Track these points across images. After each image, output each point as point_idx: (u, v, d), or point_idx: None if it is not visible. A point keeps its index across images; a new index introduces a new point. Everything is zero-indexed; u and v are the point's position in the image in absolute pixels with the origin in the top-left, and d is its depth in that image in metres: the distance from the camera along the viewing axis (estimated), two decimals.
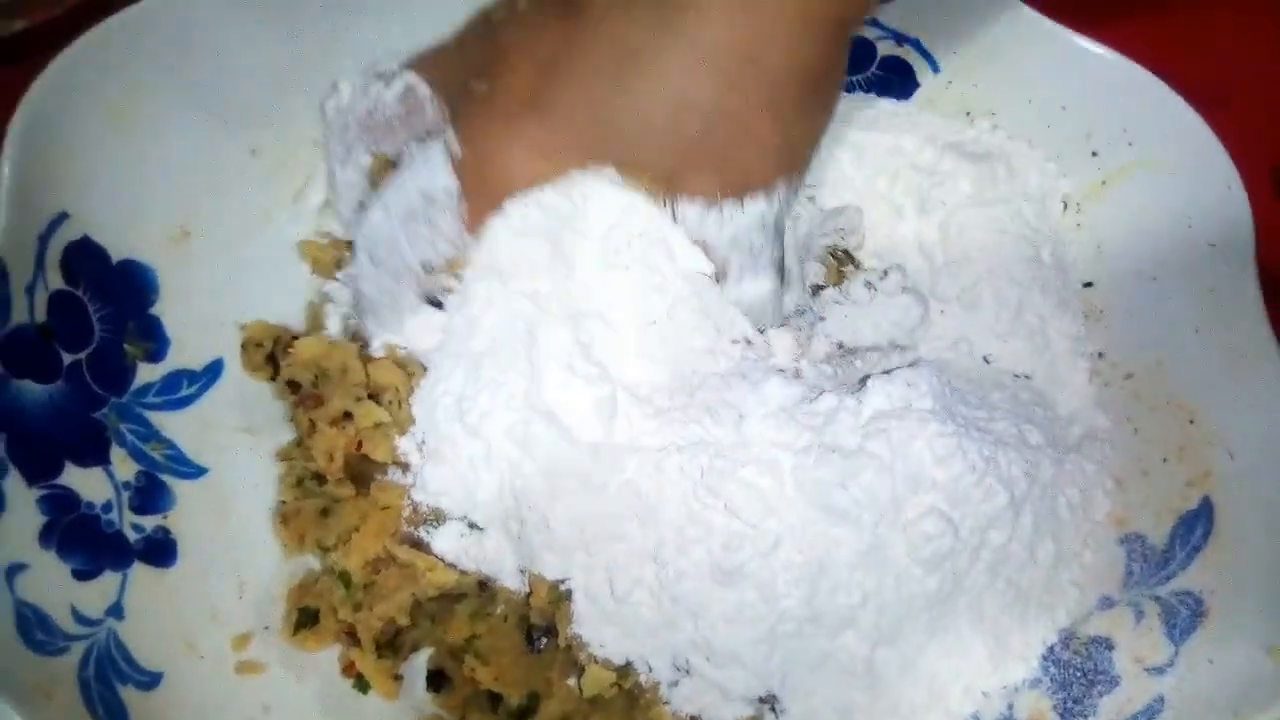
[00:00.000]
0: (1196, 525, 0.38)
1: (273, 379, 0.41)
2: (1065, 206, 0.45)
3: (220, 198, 0.43)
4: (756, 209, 0.36)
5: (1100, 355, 0.43)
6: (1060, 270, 0.44)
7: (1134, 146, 0.42)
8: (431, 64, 0.41)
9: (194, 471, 0.40)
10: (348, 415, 0.39)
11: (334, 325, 0.40)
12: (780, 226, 0.38)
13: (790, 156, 0.37)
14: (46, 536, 0.35)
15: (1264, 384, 0.38)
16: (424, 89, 0.40)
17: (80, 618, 0.35)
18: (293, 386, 0.41)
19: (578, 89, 0.35)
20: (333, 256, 0.42)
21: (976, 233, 0.44)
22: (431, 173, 0.37)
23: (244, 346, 0.41)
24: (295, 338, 0.41)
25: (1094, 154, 0.44)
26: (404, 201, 0.37)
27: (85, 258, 0.39)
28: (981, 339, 0.43)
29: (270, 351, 0.41)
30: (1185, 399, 0.40)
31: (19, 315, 0.36)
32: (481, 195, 0.36)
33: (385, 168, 0.41)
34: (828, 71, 0.36)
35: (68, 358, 0.38)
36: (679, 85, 0.34)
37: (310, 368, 0.40)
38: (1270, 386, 0.38)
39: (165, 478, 0.39)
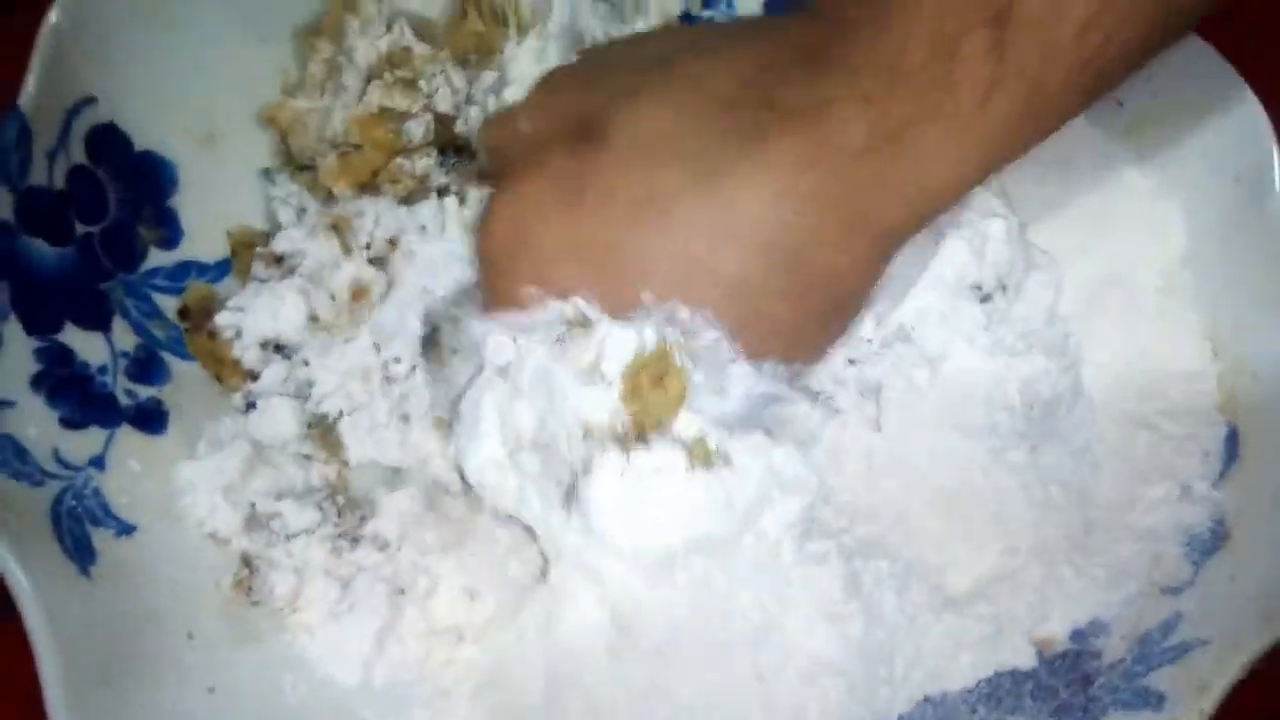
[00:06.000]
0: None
1: None
2: None
3: (248, 108, 0.43)
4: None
5: None
6: None
7: (1157, 95, 0.42)
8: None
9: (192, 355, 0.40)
10: None
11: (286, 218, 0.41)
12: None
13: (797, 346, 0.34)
14: (38, 383, 0.35)
15: None
16: None
17: (61, 460, 0.34)
18: None
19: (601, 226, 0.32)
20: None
21: None
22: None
23: (233, 252, 0.42)
24: None
25: (1119, 104, 0.43)
26: None
27: (109, 142, 0.39)
28: None
29: None
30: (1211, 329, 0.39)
31: (38, 176, 0.36)
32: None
33: None
34: (859, 282, 0.33)
35: (81, 228, 0.38)
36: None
37: None
38: None
39: (164, 355, 0.39)
